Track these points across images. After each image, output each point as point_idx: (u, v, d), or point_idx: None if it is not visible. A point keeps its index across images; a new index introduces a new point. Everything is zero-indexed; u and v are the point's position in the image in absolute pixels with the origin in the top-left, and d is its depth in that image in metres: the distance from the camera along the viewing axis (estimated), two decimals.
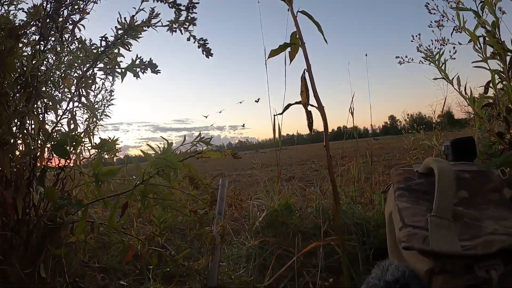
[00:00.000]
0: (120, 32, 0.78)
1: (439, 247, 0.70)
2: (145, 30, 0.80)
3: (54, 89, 1.14)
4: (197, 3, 0.76)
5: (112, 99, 1.32)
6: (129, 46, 0.81)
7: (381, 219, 1.14)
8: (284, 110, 0.82)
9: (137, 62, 0.82)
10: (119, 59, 0.85)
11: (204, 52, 0.81)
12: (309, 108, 0.79)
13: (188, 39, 0.80)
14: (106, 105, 1.30)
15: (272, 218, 1.21)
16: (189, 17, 0.77)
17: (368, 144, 1.68)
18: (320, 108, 0.77)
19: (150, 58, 0.82)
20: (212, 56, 0.83)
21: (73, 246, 1.13)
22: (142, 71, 0.83)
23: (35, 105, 0.95)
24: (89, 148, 1.09)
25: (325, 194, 1.33)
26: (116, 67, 0.84)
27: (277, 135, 1.38)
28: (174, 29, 0.79)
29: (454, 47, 1.10)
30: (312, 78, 0.78)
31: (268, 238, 1.13)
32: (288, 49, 0.87)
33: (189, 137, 0.86)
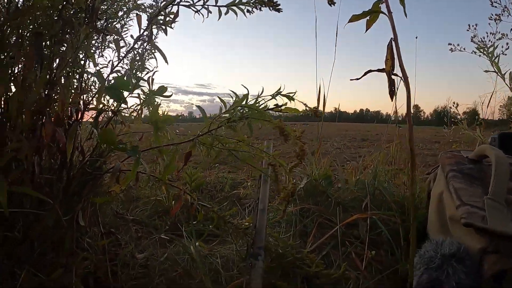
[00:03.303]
0: None
1: (496, 227, 0.74)
2: None
3: (106, 23, 1.10)
4: None
5: (154, 52, 1.26)
6: None
7: (418, 200, 1.19)
8: (363, 76, 0.83)
9: None
10: None
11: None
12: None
13: None
14: (147, 58, 1.24)
15: (312, 187, 1.24)
16: None
17: (397, 130, 1.72)
18: (405, 78, 0.78)
19: None
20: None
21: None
22: (258, 7, 0.77)
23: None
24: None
25: (365, 170, 1.37)
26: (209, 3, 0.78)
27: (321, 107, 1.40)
28: None
29: (507, 43, 1.12)
30: (398, 48, 0.78)
31: (308, 206, 1.16)
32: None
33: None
